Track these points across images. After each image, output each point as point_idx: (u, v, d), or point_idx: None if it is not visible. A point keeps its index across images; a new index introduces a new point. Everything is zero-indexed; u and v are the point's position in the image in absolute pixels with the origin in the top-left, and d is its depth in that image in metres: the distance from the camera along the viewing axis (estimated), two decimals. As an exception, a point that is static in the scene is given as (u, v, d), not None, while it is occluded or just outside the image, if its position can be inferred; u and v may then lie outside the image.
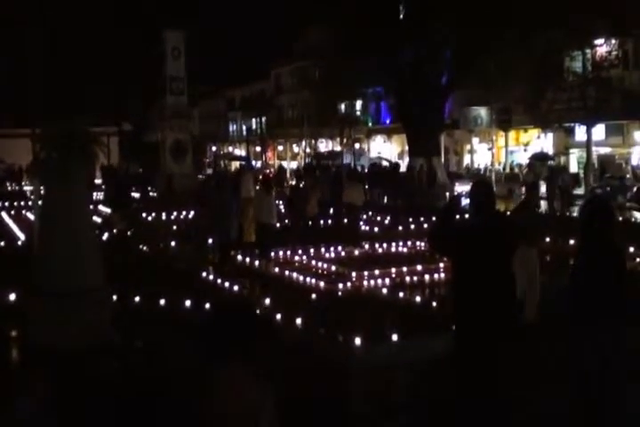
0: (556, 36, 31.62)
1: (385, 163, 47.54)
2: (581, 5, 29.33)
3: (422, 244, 18.03)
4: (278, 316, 10.84)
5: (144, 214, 26.38)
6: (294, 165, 68.22)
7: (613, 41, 37.63)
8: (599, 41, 37.36)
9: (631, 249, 16.34)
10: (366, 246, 18.83)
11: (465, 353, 6.64)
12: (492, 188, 7.58)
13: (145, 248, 18.85)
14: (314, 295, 12.93)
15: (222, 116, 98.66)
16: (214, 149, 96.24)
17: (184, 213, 26.13)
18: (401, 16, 35.28)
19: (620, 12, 31.08)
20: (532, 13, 29.26)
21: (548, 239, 17.70)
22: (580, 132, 42.46)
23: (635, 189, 33.84)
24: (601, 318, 6.40)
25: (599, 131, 41.69)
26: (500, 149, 50.12)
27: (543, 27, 29.71)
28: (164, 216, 26.12)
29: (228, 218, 16.62)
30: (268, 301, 12.05)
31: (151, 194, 36.47)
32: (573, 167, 45.56)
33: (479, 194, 6.93)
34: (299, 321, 10.61)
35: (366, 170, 41.72)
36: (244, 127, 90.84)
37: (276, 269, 15.84)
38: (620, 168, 42.45)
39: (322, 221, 23.47)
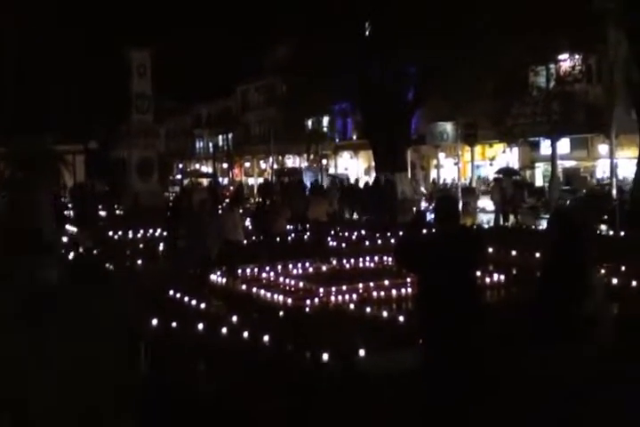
0: (521, 52, 31.83)
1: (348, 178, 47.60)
2: (545, 22, 29.58)
3: (389, 259, 18.04)
4: (246, 333, 10.77)
5: (111, 233, 26.19)
6: (261, 181, 68.09)
7: (577, 56, 38.04)
8: (563, 56, 37.76)
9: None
10: (334, 262, 18.81)
11: (432, 366, 6.65)
12: (457, 202, 7.66)
13: (111, 267, 18.69)
14: (281, 312, 12.88)
15: (189, 132, 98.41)
16: (180, 166, 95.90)
17: (151, 230, 25.97)
18: (367, 33, 35.46)
19: (583, 27, 31.39)
20: (497, 31, 29.48)
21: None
22: (545, 146, 42.84)
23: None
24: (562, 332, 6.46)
25: (564, 144, 42.07)
26: (466, 164, 50.39)
27: (507, 44, 29.90)
28: (130, 234, 25.95)
29: (206, 237, 16.56)
30: (235, 318, 11.97)
31: (118, 212, 36.24)
32: (539, 181, 46.02)
33: (444, 208, 7.01)
34: (266, 338, 10.53)
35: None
36: (210, 144, 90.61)
37: (244, 287, 15.77)
38: (585, 181, 42.84)
39: (289, 238, 23.43)
